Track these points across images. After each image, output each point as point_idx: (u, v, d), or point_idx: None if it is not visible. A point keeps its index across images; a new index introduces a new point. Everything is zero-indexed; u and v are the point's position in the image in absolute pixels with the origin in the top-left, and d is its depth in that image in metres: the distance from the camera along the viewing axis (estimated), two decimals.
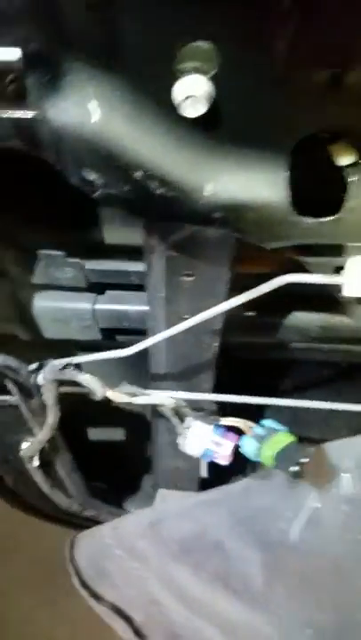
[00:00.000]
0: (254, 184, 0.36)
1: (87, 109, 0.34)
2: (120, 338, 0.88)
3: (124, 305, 0.79)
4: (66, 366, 0.59)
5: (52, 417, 0.67)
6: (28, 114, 0.34)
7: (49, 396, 0.65)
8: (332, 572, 0.60)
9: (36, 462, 0.82)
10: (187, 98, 0.31)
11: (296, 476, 0.51)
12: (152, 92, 0.33)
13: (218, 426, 0.57)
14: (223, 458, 0.57)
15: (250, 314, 0.79)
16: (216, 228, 0.38)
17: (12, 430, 0.77)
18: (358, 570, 0.59)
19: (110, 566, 0.93)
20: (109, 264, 0.72)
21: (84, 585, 0.98)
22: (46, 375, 0.61)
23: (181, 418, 0.61)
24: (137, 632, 0.89)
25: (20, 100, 0.35)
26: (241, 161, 0.35)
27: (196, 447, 0.58)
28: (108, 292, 0.80)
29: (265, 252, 0.65)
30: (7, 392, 0.69)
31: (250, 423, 0.57)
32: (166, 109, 0.34)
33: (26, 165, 0.65)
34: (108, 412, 1.13)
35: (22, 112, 0.35)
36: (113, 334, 0.87)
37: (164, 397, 0.59)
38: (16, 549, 1.96)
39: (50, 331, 0.84)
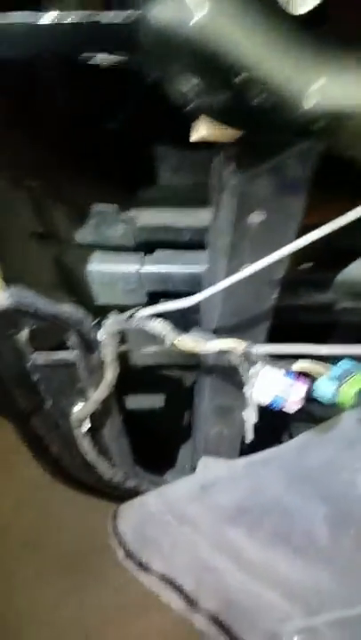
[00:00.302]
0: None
1: (191, 8, 0.33)
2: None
3: (171, 266, 0.78)
4: (131, 316, 0.58)
5: (111, 374, 0.66)
6: (130, 16, 0.33)
7: (109, 351, 0.64)
8: None
9: (85, 427, 0.81)
10: None
11: None
12: None
13: (288, 373, 0.56)
14: (294, 403, 0.56)
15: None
16: (313, 140, 0.37)
17: (66, 393, 0.76)
18: None
19: (158, 535, 0.92)
20: (161, 219, 0.71)
21: (129, 555, 0.97)
22: (110, 328, 0.60)
23: (247, 366, 0.60)
24: (188, 600, 0.88)
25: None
26: (348, 65, 0.34)
27: (266, 394, 0.57)
28: (153, 255, 0.79)
29: (326, 201, 0.64)
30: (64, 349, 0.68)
31: (325, 365, 0.56)
32: (273, 6, 0.33)
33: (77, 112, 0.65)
34: (143, 383, 1.13)
35: (124, 15, 0.33)
36: (156, 300, 0.86)
37: (234, 342, 0.58)
38: (43, 538, 1.97)
39: (95, 295, 0.83)
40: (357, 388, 0.51)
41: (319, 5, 0.31)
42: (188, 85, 0.35)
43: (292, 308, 0.80)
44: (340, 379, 0.53)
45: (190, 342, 0.57)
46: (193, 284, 0.75)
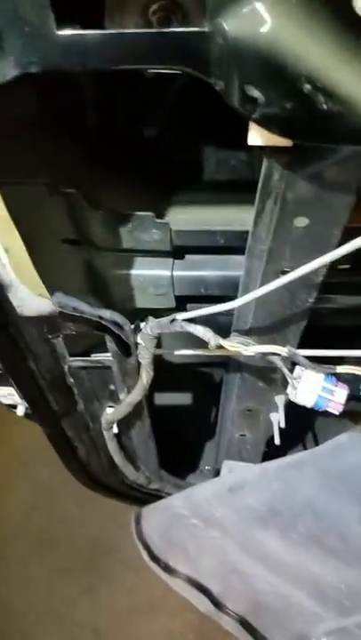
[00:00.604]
0: None
1: (262, 17, 0.33)
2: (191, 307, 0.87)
3: (202, 270, 0.79)
4: (174, 320, 0.59)
5: (147, 376, 0.67)
6: (204, 27, 0.34)
7: (146, 355, 0.64)
8: None
9: (115, 429, 0.82)
10: None
11: None
12: None
13: (328, 376, 0.56)
14: (336, 406, 0.56)
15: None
16: None
17: (98, 395, 0.76)
18: None
19: (184, 537, 0.92)
20: (195, 223, 0.72)
21: (155, 558, 0.97)
22: (150, 330, 0.61)
23: (290, 369, 0.61)
24: (215, 603, 0.88)
25: (177, 18, 0.35)
26: None
27: (309, 397, 0.57)
28: (184, 260, 0.80)
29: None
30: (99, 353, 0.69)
31: None
32: (343, 16, 0.33)
33: (114, 120, 0.66)
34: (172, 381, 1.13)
35: (197, 27, 0.34)
36: (185, 303, 0.86)
37: (276, 348, 0.59)
38: (56, 540, 1.97)
39: (124, 300, 0.84)
40: None
41: None
42: (254, 95, 0.36)
43: (327, 310, 0.80)
44: None
45: (235, 345, 0.58)
46: (226, 288, 0.76)
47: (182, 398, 1.14)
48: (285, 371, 0.59)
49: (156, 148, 0.67)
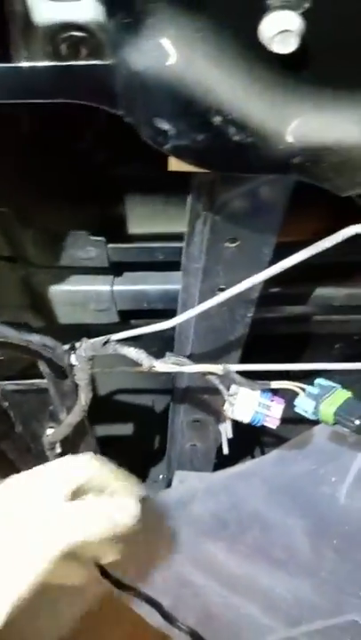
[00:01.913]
0: (340, 124, 0.35)
1: (167, 52, 0.32)
2: (134, 322, 0.86)
3: (144, 285, 0.78)
4: (107, 341, 0.58)
5: (85, 397, 0.65)
6: (105, 60, 0.33)
7: (83, 376, 0.63)
8: None
9: (57, 449, 0.80)
10: (279, 33, 0.30)
11: (356, 429, 0.51)
12: (235, 29, 0.32)
13: (265, 390, 0.56)
14: (273, 421, 0.57)
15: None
16: (291, 176, 0.37)
17: (37, 417, 0.75)
18: None
19: (135, 551, 0.92)
20: (133, 240, 0.71)
21: (105, 574, 0.96)
22: (84, 352, 0.59)
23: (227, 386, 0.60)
24: (166, 617, 0.88)
25: (87, 50, 0.34)
26: (327, 100, 0.34)
27: (246, 412, 0.57)
28: (126, 274, 0.79)
29: (298, 219, 0.65)
30: (34, 376, 0.67)
31: (301, 385, 0.57)
32: (249, 48, 0.33)
33: (46, 136, 0.64)
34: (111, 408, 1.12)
35: (99, 60, 0.33)
36: (129, 318, 0.85)
37: (211, 367, 0.58)
38: None
39: (65, 316, 0.82)
40: (336, 407, 0.52)
41: (300, 47, 0.31)
42: (164, 127, 0.35)
43: (269, 320, 0.80)
44: (318, 397, 0.54)
45: (169, 366, 0.57)
46: (169, 301, 0.75)
47: (131, 425, 1.14)
48: (222, 388, 0.59)
49: (91, 163, 0.65)
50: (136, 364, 0.60)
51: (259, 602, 0.76)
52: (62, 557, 0.47)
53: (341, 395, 0.54)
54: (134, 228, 0.70)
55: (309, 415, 0.55)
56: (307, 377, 0.89)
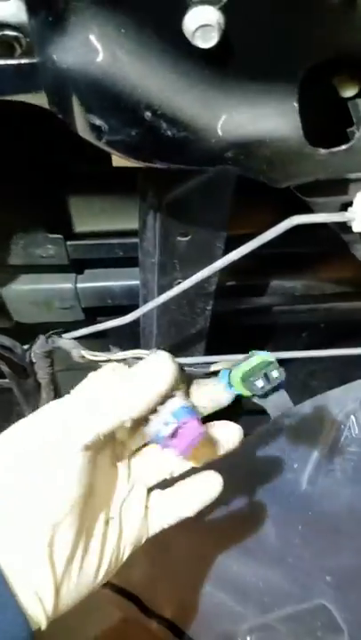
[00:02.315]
0: (267, 118, 0.35)
1: (93, 48, 0.33)
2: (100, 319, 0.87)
3: (106, 281, 0.79)
4: (50, 336, 0.58)
5: (48, 396, 0.66)
6: (32, 59, 0.33)
7: (42, 374, 0.63)
8: (348, 514, 0.61)
9: None
10: (200, 27, 0.31)
11: (265, 392, 0.45)
12: (158, 25, 0.33)
13: (187, 408, 0.44)
14: (170, 441, 0.45)
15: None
16: (227, 169, 0.38)
17: (4, 418, 0.75)
18: None
19: None
20: (92, 237, 0.71)
21: None
22: (36, 349, 0.60)
23: None
24: (142, 607, 0.89)
25: (22, 48, 0.34)
26: (252, 94, 0.35)
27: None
28: (88, 271, 0.79)
29: (248, 212, 0.66)
30: None
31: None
32: (173, 44, 0.33)
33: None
34: None
35: (26, 58, 0.33)
36: (94, 315, 0.86)
37: (141, 351, 0.56)
38: None
39: (30, 315, 0.82)
40: (242, 373, 0.46)
41: (221, 41, 0.32)
42: (97, 123, 0.35)
43: (234, 312, 0.81)
44: (234, 367, 0.48)
45: (95, 355, 0.57)
46: (133, 297, 0.76)
47: None
48: None
49: (49, 157, 0.65)
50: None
51: (232, 590, 0.77)
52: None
53: (257, 360, 0.46)
54: (88, 225, 0.70)
55: (227, 387, 0.48)
56: None
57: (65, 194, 0.68)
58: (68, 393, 0.46)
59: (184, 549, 0.84)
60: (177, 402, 0.43)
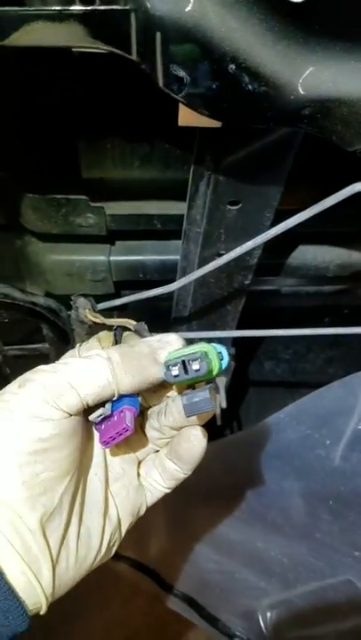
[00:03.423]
0: (348, 77, 0.36)
1: None
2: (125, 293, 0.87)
3: (140, 255, 0.79)
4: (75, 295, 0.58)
5: None
6: (123, 6, 0.33)
7: (79, 341, 0.63)
8: None
9: None
10: None
11: (175, 381, 0.41)
12: None
13: (131, 398, 0.44)
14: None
15: None
16: (302, 128, 0.38)
17: None
18: None
19: None
20: (131, 207, 0.71)
21: None
22: (73, 314, 0.60)
23: None
24: (163, 585, 0.89)
25: None
26: (336, 53, 0.35)
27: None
28: (122, 243, 0.79)
29: (292, 188, 0.66)
30: (34, 341, 0.68)
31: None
32: None
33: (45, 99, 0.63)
34: None
35: (117, 5, 0.33)
36: (121, 289, 0.86)
37: (128, 321, 0.55)
38: None
39: (61, 286, 0.82)
40: (172, 356, 0.42)
41: None
42: (179, 74, 0.35)
43: (261, 292, 0.82)
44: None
45: (95, 316, 0.57)
46: (165, 272, 0.76)
47: None
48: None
49: (86, 132, 0.65)
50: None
51: (254, 566, 0.78)
52: None
53: (197, 347, 0.42)
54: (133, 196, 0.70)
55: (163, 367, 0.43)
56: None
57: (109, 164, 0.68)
58: None
59: (204, 524, 0.84)
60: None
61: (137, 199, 0.70)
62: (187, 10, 0.34)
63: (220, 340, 0.49)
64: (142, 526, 0.91)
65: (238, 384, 1.17)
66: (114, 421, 0.43)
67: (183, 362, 0.40)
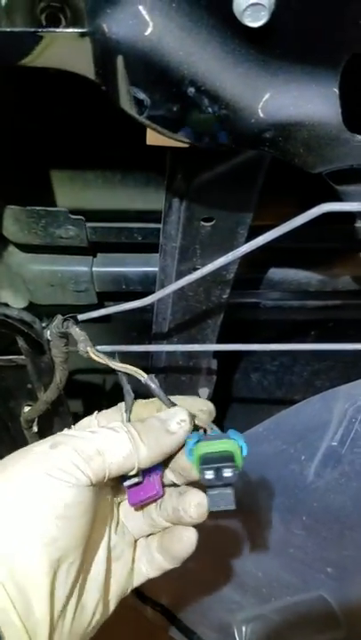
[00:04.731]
0: (308, 101, 0.36)
1: (143, 21, 0.33)
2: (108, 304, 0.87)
3: (123, 267, 0.79)
4: (66, 319, 0.59)
5: (60, 375, 0.66)
6: (83, 28, 0.34)
7: (57, 352, 0.64)
8: (354, 507, 0.62)
9: (34, 428, 0.81)
10: (249, 6, 0.31)
11: (208, 484, 0.45)
12: (209, 2, 0.33)
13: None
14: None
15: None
16: (263, 151, 0.38)
17: (14, 395, 0.75)
18: None
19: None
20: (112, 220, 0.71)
21: None
22: (54, 329, 0.60)
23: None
24: (139, 595, 0.89)
25: (66, 20, 0.35)
26: (295, 76, 0.36)
27: None
28: (104, 255, 0.80)
29: (270, 203, 0.66)
30: (13, 352, 0.68)
31: (212, 425, 0.54)
32: (223, 21, 0.34)
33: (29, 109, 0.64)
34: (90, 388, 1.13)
35: (77, 27, 0.34)
36: (106, 300, 0.86)
37: (135, 371, 0.56)
38: None
39: (44, 297, 0.83)
40: (205, 452, 0.46)
41: (269, 21, 0.32)
42: (140, 97, 0.36)
43: (245, 305, 0.82)
44: (208, 438, 0.49)
45: (94, 356, 0.57)
46: (147, 284, 0.76)
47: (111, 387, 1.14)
48: (128, 397, 0.55)
49: (66, 144, 0.66)
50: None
51: (231, 580, 0.78)
52: None
53: (227, 444, 0.46)
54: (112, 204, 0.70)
55: (188, 452, 0.48)
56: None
57: (88, 174, 0.69)
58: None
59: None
60: None
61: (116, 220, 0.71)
62: (146, 34, 0.34)
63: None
64: None
65: (225, 396, 1.17)
66: (143, 485, 0.50)
67: (217, 469, 0.45)
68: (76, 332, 0.60)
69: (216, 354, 0.86)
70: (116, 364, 0.57)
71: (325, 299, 0.83)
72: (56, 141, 0.64)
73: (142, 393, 0.57)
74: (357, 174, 0.42)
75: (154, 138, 0.43)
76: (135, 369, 0.56)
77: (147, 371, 0.57)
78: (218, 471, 0.45)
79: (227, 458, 0.45)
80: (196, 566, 0.81)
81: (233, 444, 0.47)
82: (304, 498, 0.66)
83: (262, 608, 0.74)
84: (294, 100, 0.36)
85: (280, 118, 0.37)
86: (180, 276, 0.64)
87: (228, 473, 0.45)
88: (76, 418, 0.61)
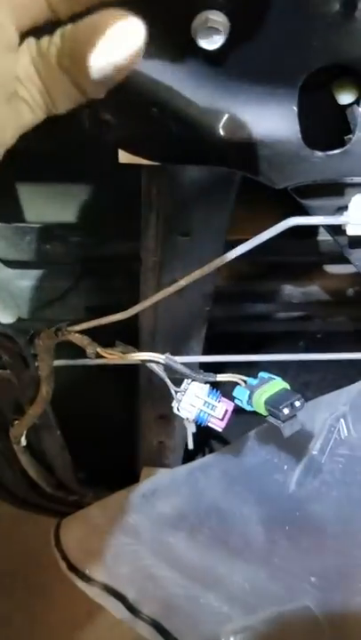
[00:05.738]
0: (267, 120, 0.37)
1: None
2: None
3: (111, 280, 0.80)
4: (59, 329, 0.60)
5: (46, 388, 0.67)
6: None
7: (44, 366, 0.65)
8: (335, 515, 0.63)
9: (23, 442, 0.81)
10: (206, 30, 0.33)
11: (287, 418, 0.50)
12: (169, 26, 0.35)
13: (213, 390, 0.56)
14: (218, 422, 0.56)
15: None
16: (230, 167, 0.40)
17: (2, 410, 0.76)
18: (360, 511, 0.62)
19: (101, 546, 0.93)
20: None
21: (72, 568, 0.97)
22: (42, 342, 0.61)
23: (176, 381, 0.60)
24: (131, 609, 0.89)
25: None
26: (254, 96, 0.37)
27: (191, 410, 0.57)
28: (93, 269, 0.81)
29: (249, 218, 0.67)
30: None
31: (243, 377, 0.57)
32: (182, 44, 0.35)
33: None
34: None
35: None
36: (96, 314, 0.87)
37: (157, 355, 0.58)
38: None
39: (32, 311, 0.84)
40: (267, 396, 0.52)
41: (226, 44, 0.34)
42: (106, 118, 0.37)
43: (233, 318, 0.83)
44: (254, 388, 0.54)
45: (111, 354, 0.58)
46: (137, 296, 0.77)
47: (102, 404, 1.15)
48: (168, 381, 0.59)
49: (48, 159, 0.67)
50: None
51: (218, 591, 0.78)
52: None
53: (276, 385, 0.53)
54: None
55: (245, 405, 0.54)
56: None
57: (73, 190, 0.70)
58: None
59: (173, 551, 0.84)
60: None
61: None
62: None
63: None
64: (113, 552, 0.91)
65: None
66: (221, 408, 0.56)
67: (290, 404, 0.51)
68: (76, 337, 0.61)
69: (202, 366, 0.86)
70: (131, 355, 0.58)
71: (307, 310, 0.84)
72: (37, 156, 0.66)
73: None
74: (320, 189, 0.43)
75: (126, 156, 0.45)
76: (153, 354, 0.58)
77: None
78: (292, 405, 0.51)
79: (288, 393, 0.52)
80: (183, 578, 0.82)
81: (280, 381, 0.54)
82: (287, 507, 0.66)
83: (250, 619, 0.74)
84: (253, 120, 0.38)
85: (241, 137, 0.38)
86: (160, 288, 0.65)
87: (298, 403, 0.51)
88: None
